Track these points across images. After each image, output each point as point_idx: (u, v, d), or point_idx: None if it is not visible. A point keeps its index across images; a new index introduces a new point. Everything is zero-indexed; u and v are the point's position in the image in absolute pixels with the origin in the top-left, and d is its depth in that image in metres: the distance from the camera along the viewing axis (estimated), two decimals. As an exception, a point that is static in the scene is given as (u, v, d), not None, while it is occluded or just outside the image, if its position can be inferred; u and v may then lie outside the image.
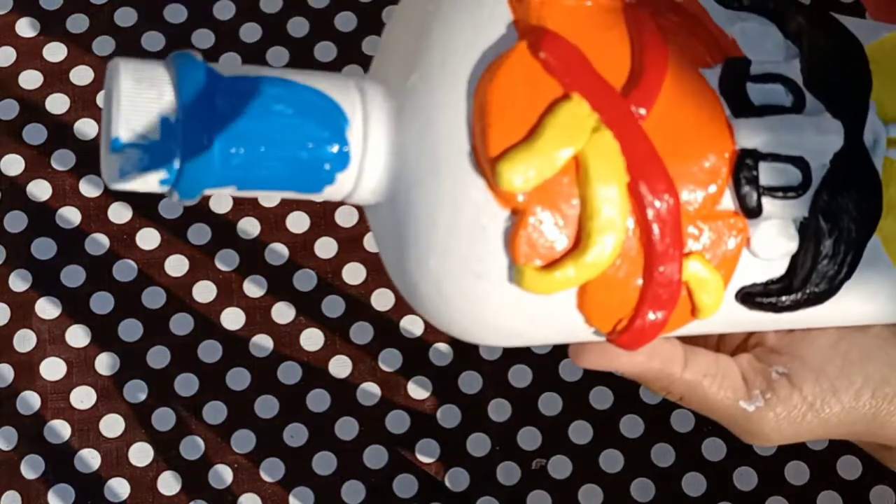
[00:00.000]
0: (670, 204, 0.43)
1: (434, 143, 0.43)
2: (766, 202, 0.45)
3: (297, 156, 0.42)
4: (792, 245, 0.45)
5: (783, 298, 0.46)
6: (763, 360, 0.48)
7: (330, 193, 0.44)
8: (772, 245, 0.45)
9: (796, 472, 1.38)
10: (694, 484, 1.39)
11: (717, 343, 0.51)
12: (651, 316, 0.44)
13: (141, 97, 0.41)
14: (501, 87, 0.42)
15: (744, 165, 0.44)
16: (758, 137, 0.45)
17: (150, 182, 0.42)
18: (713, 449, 1.40)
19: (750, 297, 0.46)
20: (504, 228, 0.42)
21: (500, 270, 0.43)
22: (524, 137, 0.42)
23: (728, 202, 0.45)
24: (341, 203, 1.50)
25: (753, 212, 0.45)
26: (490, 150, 0.42)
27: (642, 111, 0.43)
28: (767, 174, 0.45)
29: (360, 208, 1.48)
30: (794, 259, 0.46)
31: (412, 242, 0.43)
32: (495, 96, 0.42)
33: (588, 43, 0.43)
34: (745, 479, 1.38)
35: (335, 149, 0.43)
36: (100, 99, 1.53)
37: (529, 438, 1.40)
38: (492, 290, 0.43)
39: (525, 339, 0.45)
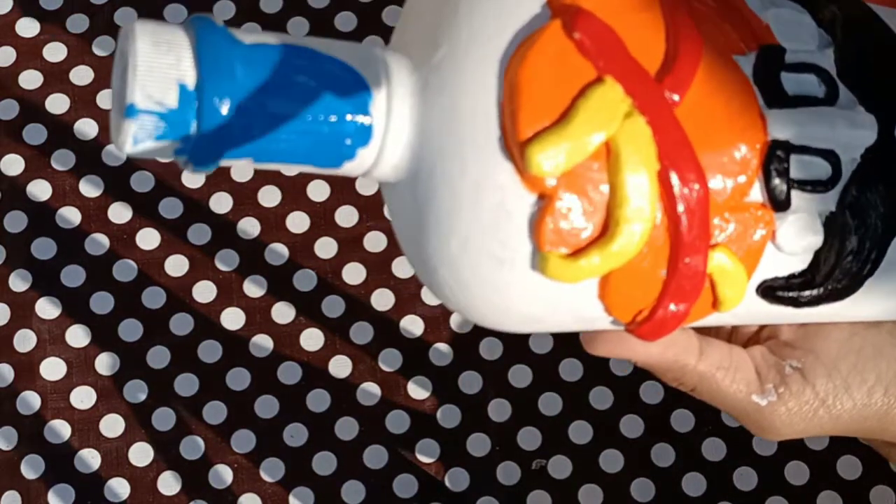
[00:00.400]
0: (700, 194, 0.42)
1: (460, 123, 0.41)
2: (795, 195, 0.44)
3: (317, 129, 0.41)
4: (817, 240, 0.44)
5: (804, 293, 0.45)
6: (776, 354, 0.48)
7: (349, 169, 0.42)
8: (797, 239, 0.44)
9: (796, 472, 1.38)
10: (694, 484, 1.38)
11: (729, 334, 0.50)
12: (673, 307, 0.43)
13: (158, 62, 0.39)
14: (533, 67, 0.41)
15: (775, 157, 0.43)
16: (790, 129, 0.44)
17: (164, 151, 0.40)
18: (713, 449, 1.39)
19: (771, 290, 0.45)
20: (530, 214, 0.41)
21: (524, 257, 0.42)
22: (555, 121, 0.41)
23: (756, 194, 0.44)
24: (341, 203, 1.51)
25: (782, 205, 0.44)
26: (520, 133, 0.41)
27: (675, 97, 0.42)
28: (797, 167, 0.44)
29: (360, 207, 1.48)
30: (818, 254, 0.45)
31: (433, 224, 0.42)
32: (526, 77, 0.41)
33: (622, 24, 0.42)
34: (745, 479, 1.38)
35: (357, 123, 0.41)
36: (100, 99, 1.53)
37: (529, 438, 1.40)
38: (513, 276, 0.42)
39: (542, 326, 0.44)
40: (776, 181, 0.44)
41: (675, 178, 0.42)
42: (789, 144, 0.44)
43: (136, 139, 0.40)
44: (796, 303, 0.45)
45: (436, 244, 0.42)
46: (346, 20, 1.56)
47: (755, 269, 0.44)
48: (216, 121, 0.39)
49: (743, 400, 0.47)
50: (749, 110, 0.44)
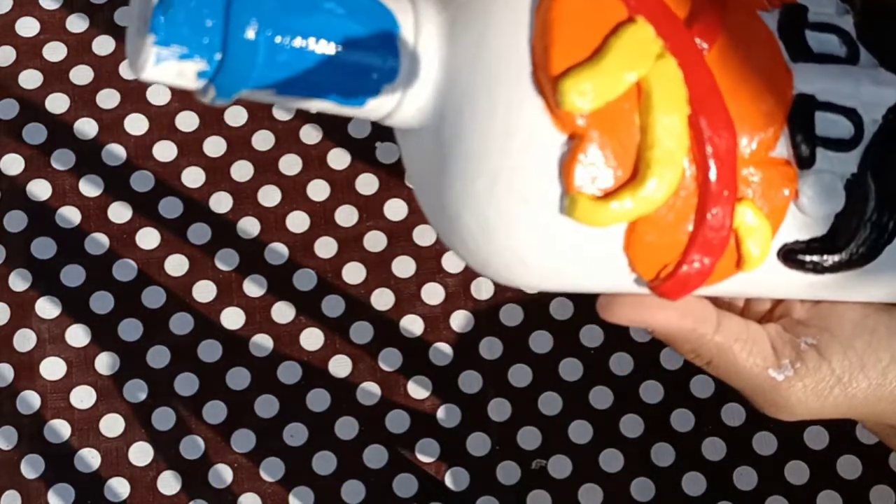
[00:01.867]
0: (729, 143, 0.41)
1: (490, 59, 0.40)
2: (818, 154, 0.43)
3: (344, 59, 0.40)
4: (839, 202, 0.44)
5: (825, 258, 0.44)
6: (790, 331, 0.47)
7: (372, 108, 0.41)
8: (820, 199, 0.43)
9: (796, 472, 1.38)
10: (694, 484, 1.39)
11: (741, 312, 0.50)
12: (697, 263, 0.42)
13: None
14: (566, 4, 0.40)
15: (801, 111, 0.43)
16: (816, 83, 0.43)
17: (186, 73, 0.39)
18: (713, 449, 1.40)
19: (792, 254, 0.44)
20: (560, 154, 0.40)
21: (552, 198, 0.41)
22: (588, 57, 0.40)
23: (781, 149, 0.43)
24: (341, 202, 1.51)
25: (806, 161, 0.43)
26: (552, 68, 0.40)
27: (704, 45, 0.42)
28: (821, 124, 0.43)
29: (360, 207, 1.48)
30: (839, 217, 0.44)
31: (458, 166, 0.41)
32: (559, 13, 0.40)
33: None
34: (745, 479, 1.38)
35: (384, 57, 0.40)
36: (100, 98, 1.53)
37: (529, 438, 1.40)
38: (540, 219, 0.41)
39: (562, 282, 0.43)
40: (801, 135, 0.43)
41: (704, 124, 0.41)
42: (815, 100, 0.43)
43: (159, 58, 0.38)
44: (817, 268, 0.45)
45: (460, 187, 0.41)
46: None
47: (778, 228, 0.44)
48: (242, 44, 0.38)
49: (759, 374, 0.47)
50: (775, 63, 0.43)
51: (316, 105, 0.41)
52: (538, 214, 0.41)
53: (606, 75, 0.40)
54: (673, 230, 0.42)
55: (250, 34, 0.39)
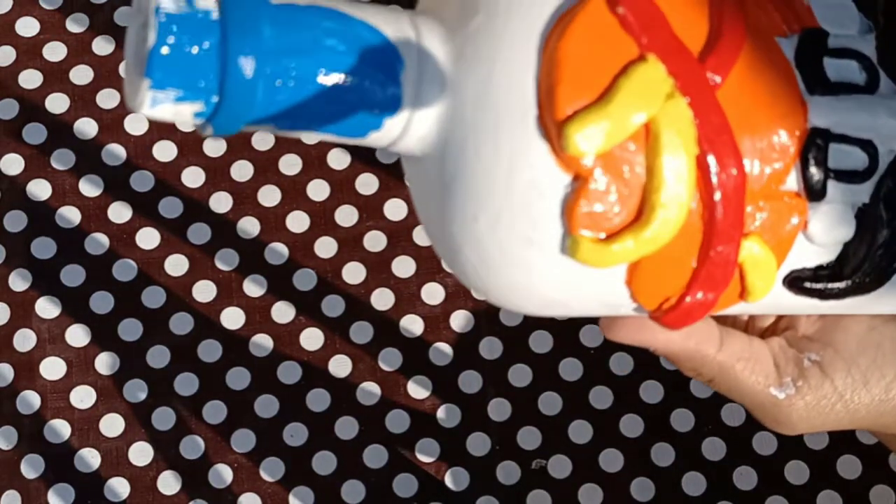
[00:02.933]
0: (737, 181, 0.41)
1: (495, 97, 0.39)
2: (830, 185, 0.42)
3: (345, 94, 0.39)
4: (849, 231, 0.43)
5: (831, 286, 0.44)
6: (794, 346, 0.47)
7: (375, 139, 0.41)
8: (829, 230, 0.43)
9: (796, 472, 1.38)
10: (694, 484, 1.38)
11: (745, 325, 0.50)
12: (700, 296, 0.42)
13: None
14: (574, 42, 0.39)
15: (814, 145, 0.42)
16: (831, 117, 0.43)
17: (183, 114, 0.38)
18: (713, 449, 1.39)
19: (798, 281, 0.44)
20: (563, 195, 0.40)
21: (554, 239, 0.40)
22: (595, 99, 0.39)
23: (792, 182, 0.42)
24: (341, 202, 1.51)
25: (817, 194, 0.42)
26: (558, 112, 0.39)
27: (717, 79, 0.41)
28: (835, 156, 0.43)
29: (360, 207, 1.48)
30: (847, 246, 0.44)
31: (460, 201, 0.40)
32: (566, 52, 0.39)
33: (666, 1, 0.41)
34: (745, 479, 1.38)
35: (386, 92, 0.39)
36: (100, 98, 1.53)
37: (529, 438, 1.40)
38: (541, 258, 0.41)
39: (564, 310, 0.43)
40: (814, 170, 0.42)
41: (713, 164, 0.40)
42: (829, 133, 0.42)
43: (155, 100, 0.38)
44: (822, 295, 0.44)
45: (461, 222, 0.40)
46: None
47: (785, 259, 0.43)
48: (240, 82, 0.38)
49: (760, 392, 0.46)
50: (790, 95, 0.42)
51: (318, 137, 0.40)
52: (540, 254, 0.41)
53: (614, 119, 0.39)
54: (677, 265, 0.42)
55: (247, 74, 0.38)
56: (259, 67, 0.38)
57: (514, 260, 0.41)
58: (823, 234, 0.43)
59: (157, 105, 0.38)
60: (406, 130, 0.40)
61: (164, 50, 0.37)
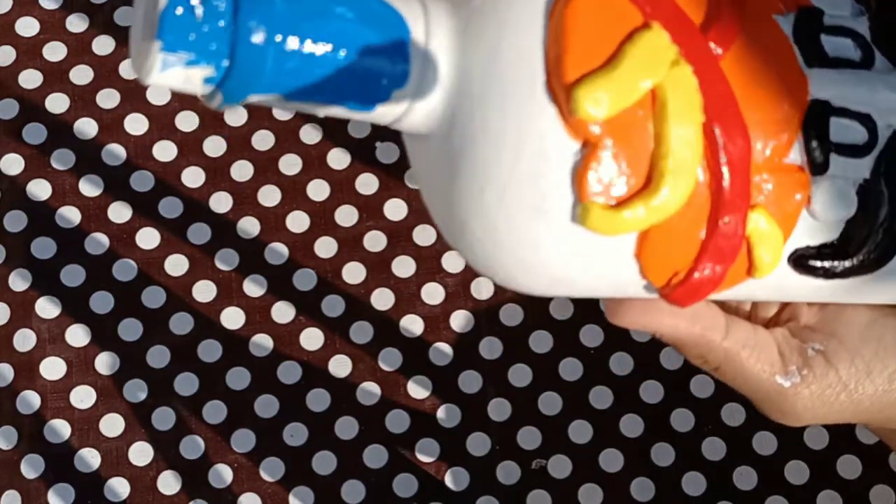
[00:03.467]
0: (743, 150, 0.41)
1: (503, 66, 0.40)
2: (832, 159, 0.43)
3: (353, 64, 0.39)
4: (851, 208, 0.44)
5: (836, 264, 0.44)
6: (797, 337, 0.47)
7: (381, 113, 0.40)
8: (832, 205, 0.43)
9: (796, 472, 1.38)
10: (694, 484, 1.39)
11: (749, 315, 0.50)
12: (709, 270, 0.42)
13: None
14: (580, 9, 0.40)
15: (816, 117, 0.43)
16: (831, 89, 0.43)
17: (193, 79, 0.38)
18: (713, 449, 1.40)
19: (803, 259, 0.44)
20: (572, 162, 0.40)
21: (563, 208, 0.40)
22: (602, 64, 0.40)
23: (795, 156, 0.43)
24: (341, 202, 1.51)
25: (820, 167, 0.43)
26: (566, 75, 0.39)
27: (719, 50, 0.41)
28: (835, 130, 0.43)
29: (360, 207, 1.48)
30: (850, 223, 0.44)
31: (468, 174, 0.40)
32: (573, 19, 0.40)
33: None
34: (745, 479, 1.38)
35: (394, 62, 0.40)
36: (100, 98, 1.53)
37: (529, 438, 1.40)
38: (550, 229, 0.41)
39: (571, 289, 0.43)
40: (815, 142, 0.43)
41: (718, 132, 0.41)
42: (829, 105, 0.43)
43: (165, 63, 0.38)
44: (827, 274, 0.44)
45: (469, 195, 0.41)
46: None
47: (790, 234, 0.43)
48: (251, 50, 0.38)
49: (766, 381, 0.46)
50: (790, 69, 0.43)
51: (325, 110, 0.41)
52: (549, 223, 0.41)
53: (621, 83, 0.40)
54: (685, 237, 0.42)
55: (258, 40, 0.38)
56: (269, 32, 0.38)
57: (523, 232, 0.41)
58: (826, 210, 0.43)
59: (168, 68, 0.38)
60: (413, 104, 0.40)
61: (179, 10, 0.37)
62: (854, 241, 0.44)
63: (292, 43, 0.38)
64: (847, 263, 0.44)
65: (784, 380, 0.46)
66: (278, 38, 0.38)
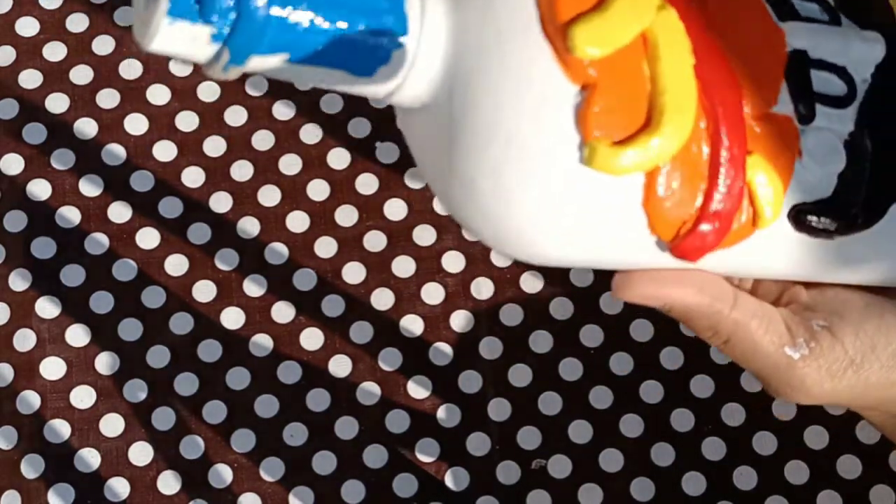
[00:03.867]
0: (735, 94, 0.42)
1: (498, 17, 0.41)
2: (818, 109, 0.44)
3: (355, 23, 0.40)
4: (840, 161, 0.45)
5: (832, 220, 0.45)
6: (799, 316, 0.48)
7: (383, 76, 0.41)
8: (822, 156, 0.44)
9: (796, 472, 1.38)
10: (694, 484, 1.39)
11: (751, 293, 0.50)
12: (715, 217, 0.43)
13: None
14: None
15: (797, 65, 0.44)
16: (807, 39, 0.45)
17: (199, 38, 0.39)
18: (713, 449, 1.40)
19: (801, 215, 0.45)
20: (574, 104, 0.41)
21: (570, 149, 0.41)
22: (594, 6, 0.41)
23: (781, 106, 0.44)
24: (341, 202, 1.51)
25: (807, 116, 0.44)
26: (560, 15, 0.40)
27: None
28: (816, 82, 0.44)
29: (360, 207, 1.48)
30: (842, 178, 0.45)
31: (473, 128, 0.41)
32: None
33: None
34: (745, 479, 1.39)
35: (395, 18, 0.40)
36: (100, 98, 1.53)
37: (529, 438, 1.40)
38: (558, 173, 0.41)
39: (579, 249, 0.43)
40: (800, 90, 0.44)
41: (709, 75, 0.42)
42: (807, 56, 0.44)
43: (174, 13, 0.38)
44: (826, 230, 0.45)
45: (475, 151, 0.41)
46: None
47: (787, 185, 0.44)
48: (256, 6, 0.39)
49: (775, 353, 0.47)
50: (767, 21, 0.44)
51: (326, 78, 0.41)
52: (556, 168, 0.41)
53: (614, 22, 0.41)
54: (689, 183, 0.42)
55: None
56: None
57: (531, 179, 0.41)
58: (817, 162, 0.44)
59: (176, 21, 0.39)
60: (412, 69, 0.41)
61: None
62: (847, 195, 0.45)
63: (296, 1, 0.39)
64: (843, 218, 0.45)
65: (793, 351, 0.47)
66: None
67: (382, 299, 1.45)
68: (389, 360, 1.43)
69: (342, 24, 0.40)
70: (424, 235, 1.48)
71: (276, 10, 0.39)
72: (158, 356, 1.43)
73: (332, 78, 0.41)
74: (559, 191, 0.41)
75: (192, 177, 1.50)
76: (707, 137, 0.42)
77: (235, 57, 0.39)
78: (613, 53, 0.41)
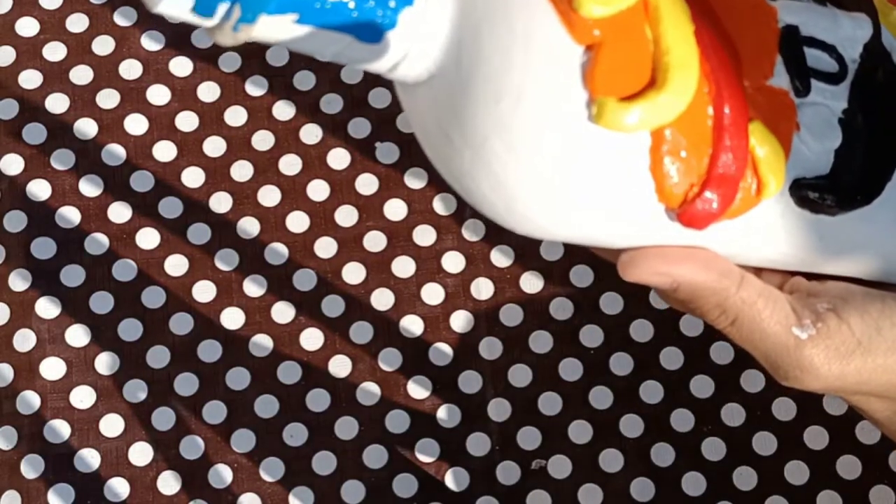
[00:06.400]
0: (733, 61, 0.43)
1: None
2: (812, 83, 0.45)
3: None
4: (836, 137, 0.45)
5: (832, 196, 0.46)
6: (803, 300, 0.48)
7: (391, 40, 0.41)
8: (819, 131, 0.45)
9: (796, 472, 1.38)
10: (694, 484, 1.39)
11: None
12: (722, 181, 0.43)
13: None
14: None
15: (790, 38, 0.45)
16: (798, 15, 0.45)
17: None
18: (713, 449, 1.40)
19: (802, 190, 0.45)
20: (581, 63, 0.41)
21: (578, 107, 0.41)
22: None
23: (777, 79, 0.45)
24: (341, 202, 1.51)
25: (803, 89, 0.45)
26: None
27: None
28: (809, 58, 0.45)
29: (360, 207, 1.48)
30: (838, 154, 0.45)
31: (481, 88, 0.42)
32: None
33: None
34: (745, 479, 1.39)
35: None
36: (99, 98, 1.53)
37: (529, 438, 1.40)
38: (566, 131, 0.42)
39: (587, 219, 0.44)
40: (794, 62, 0.45)
41: (708, 40, 0.42)
42: (799, 32, 0.45)
43: None
44: (826, 205, 0.46)
45: (484, 112, 0.42)
46: None
47: (788, 156, 0.45)
48: None
49: (782, 333, 0.47)
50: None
51: (334, 45, 0.41)
52: (564, 126, 0.41)
53: None
54: (695, 149, 0.43)
55: None
56: None
57: (540, 137, 0.42)
58: (815, 136, 0.45)
59: None
60: (420, 34, 0.41)
61: None
62: (844, 171, 0.46)
63: None
64: (842, 194, 0.46)
65: (800, 332, 0.47)
66: None
67: (382, 299, 1.45)
68: (389, 360, 1.43)
69: None
70: (424, 236, 1.48)
71: None
72: (158, 356, 1.43)
73: (339, 45, 0.41)
74: (567, 150, 0.42)
75: (192, 177, 1.50)
76: (710, 101, 0.43)
77: (246, 14, 0.39)
78: (617, 15, 0.41)
